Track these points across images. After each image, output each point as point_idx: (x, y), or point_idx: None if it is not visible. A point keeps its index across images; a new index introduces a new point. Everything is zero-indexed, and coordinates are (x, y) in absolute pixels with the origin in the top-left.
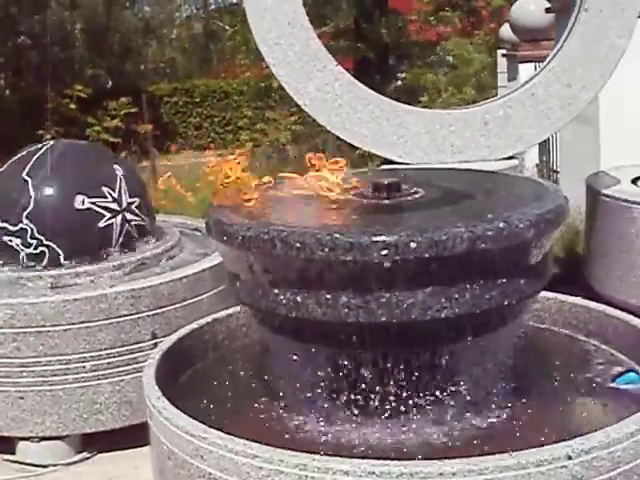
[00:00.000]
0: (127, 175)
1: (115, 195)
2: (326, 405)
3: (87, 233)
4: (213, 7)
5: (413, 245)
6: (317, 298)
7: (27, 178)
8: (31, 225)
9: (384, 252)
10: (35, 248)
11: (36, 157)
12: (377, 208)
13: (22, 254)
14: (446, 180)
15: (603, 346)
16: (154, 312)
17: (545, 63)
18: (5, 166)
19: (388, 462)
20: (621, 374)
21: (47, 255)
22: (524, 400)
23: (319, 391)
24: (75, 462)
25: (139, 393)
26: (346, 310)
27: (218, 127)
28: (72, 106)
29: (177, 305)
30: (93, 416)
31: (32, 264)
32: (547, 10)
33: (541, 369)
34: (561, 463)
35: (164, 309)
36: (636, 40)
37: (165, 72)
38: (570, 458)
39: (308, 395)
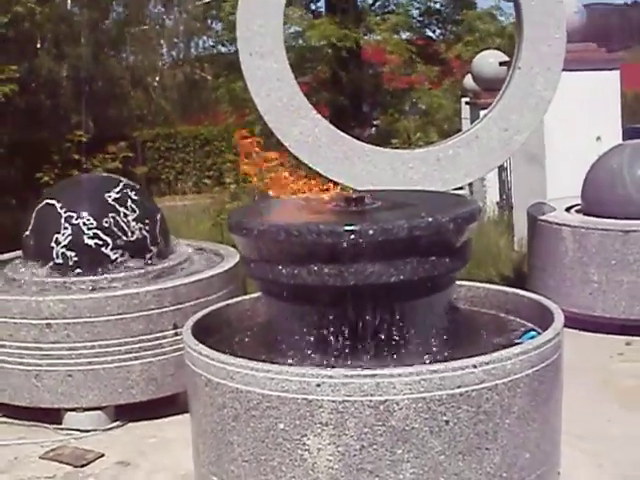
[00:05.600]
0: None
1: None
2: (314, 349)
3: None
4: (194, 55)
5: (371, 232)
6: (307, 269)
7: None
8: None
9: (352, 237)
10: None
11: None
12: (348, 212)
13: None
14: (396, 196)
15: (517, 319)
16: (175, 307)
17: (487, 111)
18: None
19: (362, 369)
20: (525, 333)
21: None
22: (456, 348)
23: (308, 338)
24: (111, 428)
25: (163, 372)
26: (327, 277)
27: (199, 172)
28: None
29: (193, 302)
30: (126, 390)
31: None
32: (501, 64)
33: (471, 333)
34: (470, 370)
35: (182, 305)
36: (572, 92)
37: (147, 119)
38: (475, 367)
39: (299, 342)
